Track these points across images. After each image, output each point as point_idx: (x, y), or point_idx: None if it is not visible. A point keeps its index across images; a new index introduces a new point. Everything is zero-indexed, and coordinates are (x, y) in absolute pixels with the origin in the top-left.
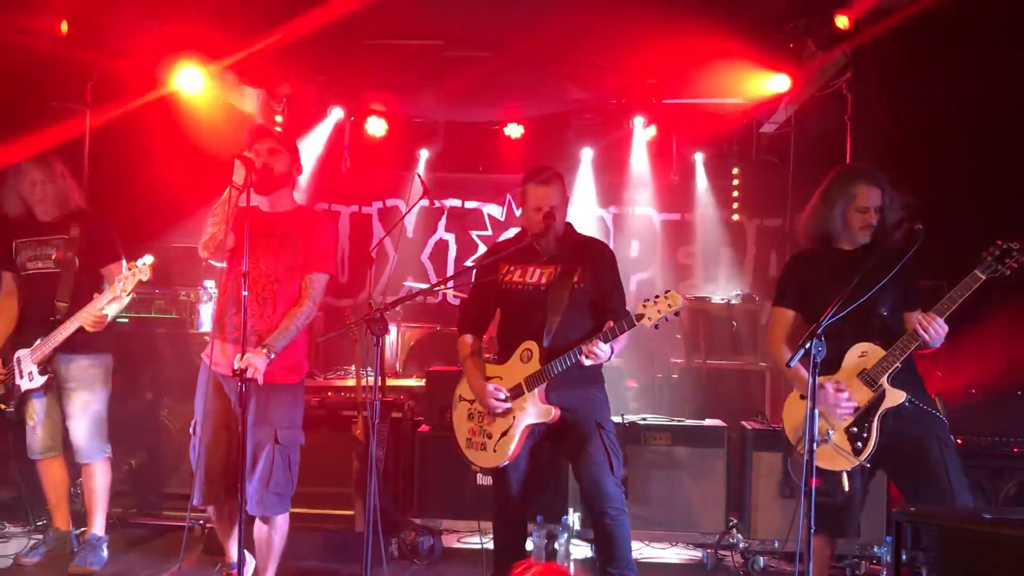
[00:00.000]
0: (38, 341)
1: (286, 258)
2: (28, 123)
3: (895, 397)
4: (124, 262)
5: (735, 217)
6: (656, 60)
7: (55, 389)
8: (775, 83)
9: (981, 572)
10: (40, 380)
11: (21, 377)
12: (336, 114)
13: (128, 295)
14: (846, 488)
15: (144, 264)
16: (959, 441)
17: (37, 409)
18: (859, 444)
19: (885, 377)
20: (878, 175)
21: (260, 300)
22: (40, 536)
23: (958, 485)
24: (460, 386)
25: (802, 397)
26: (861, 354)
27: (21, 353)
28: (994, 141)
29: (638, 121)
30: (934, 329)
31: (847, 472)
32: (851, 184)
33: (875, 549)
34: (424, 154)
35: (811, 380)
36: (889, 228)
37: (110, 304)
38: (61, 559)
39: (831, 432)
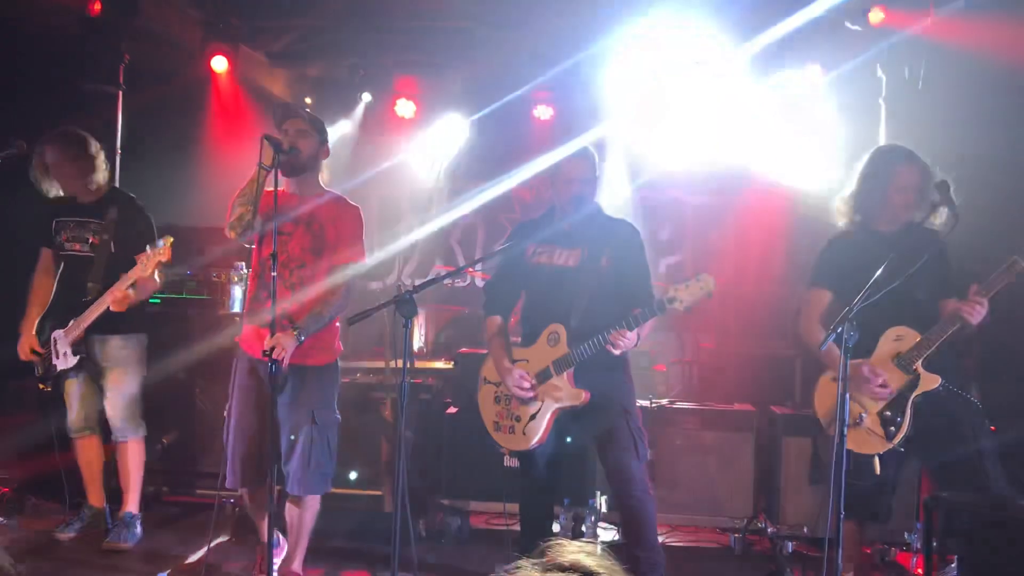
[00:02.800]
0: (71, 322)
1: (311, 243)
2: (61, 105)
3: (930, 382)
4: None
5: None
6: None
7: (92, 369)
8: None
9: (1014, 559)
10: (73, 360)
11: (57, 357)
12: (365, 96)
13: (152, 275)
14: (877, 471)
15: (163, 246)
16: (992, 428)
17: (73, 389)
18: (892, 428)
19: (920, 361)
20: (917, 155)
21: (289, 285)
22: (75, 512)
23: (992, 471)
24: (484, 367)
25: (834, 380)
26: (896, 338)
27: (57, 334)
28: None
29: (670, 98)
30: (979, 312)
31: (879, 456)
32: (891, 164)
33: (905, 535)
34: (453, 135)
35: (842, 365)
36: (926, 210)
37: (134, 285)
38: (95, 535)
39: (864, 415)
